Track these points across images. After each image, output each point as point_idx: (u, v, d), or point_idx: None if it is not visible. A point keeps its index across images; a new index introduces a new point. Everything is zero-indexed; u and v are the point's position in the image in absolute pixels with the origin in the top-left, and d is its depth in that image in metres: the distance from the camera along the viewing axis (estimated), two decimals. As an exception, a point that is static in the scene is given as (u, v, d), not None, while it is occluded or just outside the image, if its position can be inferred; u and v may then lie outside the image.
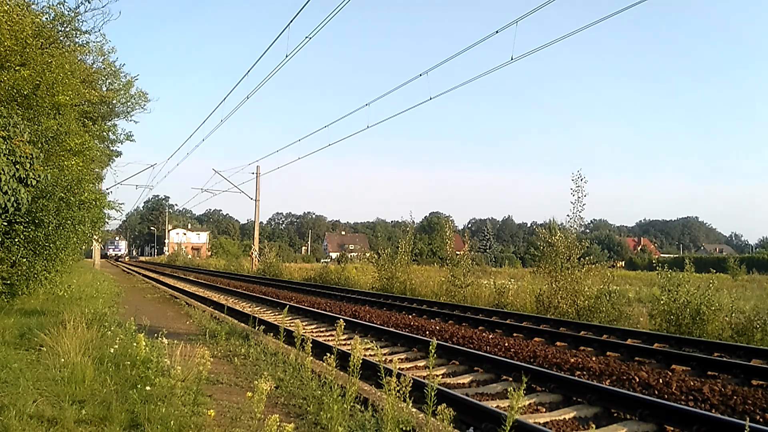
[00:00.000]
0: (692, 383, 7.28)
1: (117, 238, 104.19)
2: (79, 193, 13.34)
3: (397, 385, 4.00)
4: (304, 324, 12.22)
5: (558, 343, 10.91)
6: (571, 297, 15.39)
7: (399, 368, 5.06)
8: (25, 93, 12.48)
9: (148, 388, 4.88)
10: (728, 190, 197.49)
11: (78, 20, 15.66)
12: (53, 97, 13.31)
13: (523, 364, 8.17)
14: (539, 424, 5.58)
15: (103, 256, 76.82)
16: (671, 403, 6.21)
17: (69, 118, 14.43)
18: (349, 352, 4.56)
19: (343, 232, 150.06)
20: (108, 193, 25.45)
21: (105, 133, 24.07)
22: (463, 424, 5.37)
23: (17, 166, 8.06)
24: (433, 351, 4.23)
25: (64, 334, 6.52)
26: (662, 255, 68.24)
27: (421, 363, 8.83)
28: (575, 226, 16.54)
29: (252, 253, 45.84)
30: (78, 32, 16.43)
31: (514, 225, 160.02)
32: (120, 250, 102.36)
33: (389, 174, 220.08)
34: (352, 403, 4.62)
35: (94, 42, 18.74)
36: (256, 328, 9.26)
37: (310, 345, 5.55)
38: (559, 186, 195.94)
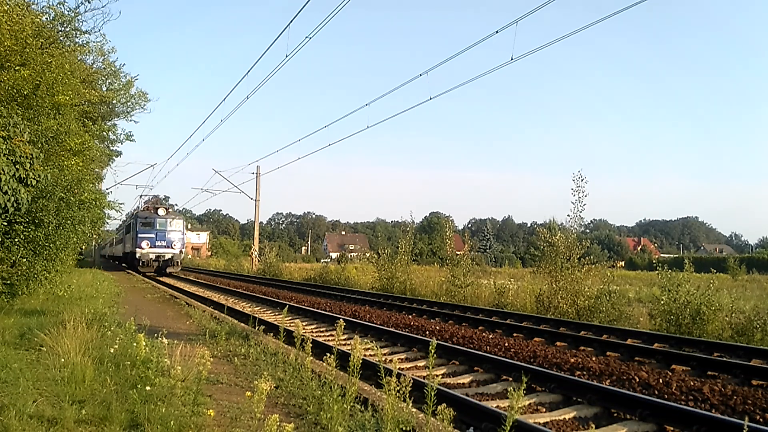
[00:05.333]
0: (692, 383, 7.28)
1: (164, 213, 34.65)
2: (79, 193, 13.35)
3: (397, 385, 3.99)
4: (304, 324, 12.22)
5: (558, 343, 10.91)
6: (571, 297, 15.39)
7: (399, 368, 5.06)
8: (25, 93, 12.49)
9: (148, 388, 4.88)
10: (728, 190, 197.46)
11: (78, 20, 15.70)
12: (53, 97, 13.32)
13: (523, 364, 8.17)
14: (539, 424, 5.59)
15: (125, 256, 38.37)
16: (671, 403, 6.21)
17: (69, 118, 14.44)
18: (349, 352, 4.56)
19: (343, 232, 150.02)
20: (108, 193, 25.48)
21: (105, 133, 24.11)
22: (463, 424, 5.37)
23: (17, 166, 8.05)
24: (432, 351, 4.23)
25: (64, 334, 6.52)
26: (662, 255, 68.21)
27: (421, 363, 8.83)
28: (575, 226, 16.55)
29: (252, 253, 45.84)
30: (78, 32, 16.46)
31: (514, 225, 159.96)
32: (173, 247, 34.02)
33: (389, 174, 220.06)
34: (352, 403, 4.61)
35: (94, 42, 18.80)
36: (256, 328, 9.25)
37: (310, 345, 5.55)
38: (559, 186, 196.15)
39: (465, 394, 6.71)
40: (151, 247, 32.49)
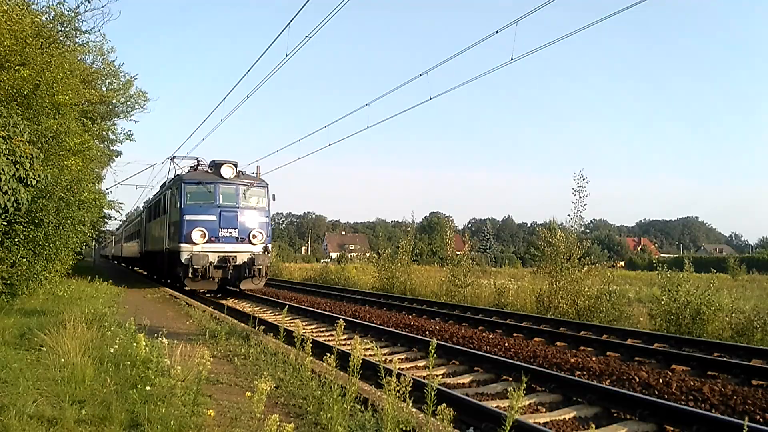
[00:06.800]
0: (692, 383, 7.28)
1: (232, 173, 18.28)
2: (79, 193, 13.35)
3: (397, 385, 3.99)
4: (304, 324, 12.22)
5: (558, 343, 10.91)
6: (572, 297, 15.40)
7: (399, 368, 5.05)
8: (25, 93, 12.49)
9: (148, 388, 4.88)
10: (728, 190, 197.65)
11: (78, 20, 15.67)
12: (53, 97, 13.32)
13: (523, 364, 8.17)
14: (539, 424, 5.59)
15: (150, 258, 24.86)
16: (671, 403, 6.21)
17: (69, 117, 14.43)
18: (349, 352, 4.56)
19: (343, 232, 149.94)
20: (108, 193, 25.44)
21: (105, 133, 24.10)
22: (463, 424, 5.38)
23: (17, 166, 8.06)
24: (432, 351, 4.22)
25: (64, 334, 6.52)
26: (662, 255, 68.17)
27: (421, 363, 8.83)
28: (575, 226, 16.58)
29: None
30: (78, 32, 16.44)
31: (514, 225, 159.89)
32: (251, 240, 17.79)
33: (389, 174, 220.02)
34: (352, 403, 4.61)
35: (93, 42, 18.77)
36: (256, 328, 9.24)
37: (310, 345, 5.54)
38: (559, 186, 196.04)
39: (465, 394, 6.71)
40: (209, 240, 17.24)
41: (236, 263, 17.37)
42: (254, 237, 17.85)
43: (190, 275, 16.86)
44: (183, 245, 17.12)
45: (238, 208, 17.92)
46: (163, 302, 16.13)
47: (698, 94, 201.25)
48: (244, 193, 18.27)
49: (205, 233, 17.20)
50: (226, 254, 17.33)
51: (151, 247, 23.51)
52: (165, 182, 22.65)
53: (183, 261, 16.96)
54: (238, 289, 18.54)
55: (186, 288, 17.47)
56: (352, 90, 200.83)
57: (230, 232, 17.61)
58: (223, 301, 16.57)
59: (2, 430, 4.02)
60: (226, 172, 18.19)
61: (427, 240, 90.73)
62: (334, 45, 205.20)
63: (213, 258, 17.10)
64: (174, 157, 23.29)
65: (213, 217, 17.44)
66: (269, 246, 18.35)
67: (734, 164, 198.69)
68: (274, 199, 18.87)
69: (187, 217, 17.31)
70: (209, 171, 18.76)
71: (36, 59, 13.00)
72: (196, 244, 17.05)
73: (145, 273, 28.08)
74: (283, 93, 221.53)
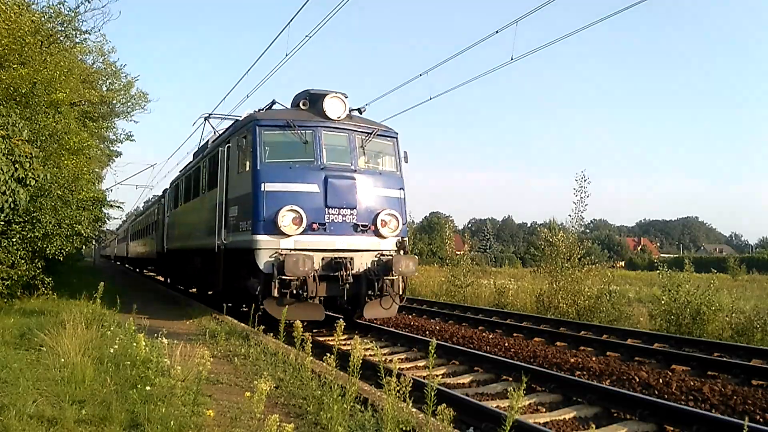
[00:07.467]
0: (692, 383, 7.28)
1: (342, 112, 9.95)
2: (77, 192, 13.32)
3: (397, 385, 3.99)
4: (303, 324, 12.16)
5: (558, 343, 10.91)
6: (572, 297, 15.40)
7: (399, 368, 5.04)
8: (23, 91, 12.46)
9: (148, 388, 4.87)
10: (728, 190, 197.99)
11: (78, 20, 15.65)
12: (50, 95, 13.27)
13: (523, 364, 8.17)
14: (539, 424, 5.59)
15: (174, 258, 17.73)
16: (671, 403, 6.21)
17: (68, 116, 14.41)
18: (349, 352, 4.56)
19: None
20: (108, 193, 25.40)
21: (105, 132, 24.09)
22: (463, 424, 5.37)
23: (16, 166, 8.05)
24: (432, 351, 4.22)
25: (63, 334, 6.51)
26: (662, 255, 68.20)
27: (421, 363, 8.82)
28: (576, 226, 16.59)
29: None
30: (78, 32, 16.41)
31: (514, 225, 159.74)
32: (378, 229, 9.72)
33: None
34: (352, 403, 4.60)
35: (93, 42, 18.75)
36: (256, 328, 9.23)
37: (310, 345, 5.53)
38: (559, 186, 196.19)
39: (465, 394, 6.71)
40: (309, 229, 9.40)
41: (354, 271, 9.71)
42: (383, 224, 10.12)
43: (275, 293, 9.21)
44: (260, 238, 9.44)
45: (355, 171, 10.14)
46: (163, 302, 16.12)
47: (698, 94, 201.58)
48: (363, 147, 10.55)
49: (301, 216, 9.44)
50: (339, 255, 9.70)
51: (181, 243, 15.54)
52: (206, 143, 14.77)
53: (262, 267, 9.34)
54: (362, 316, 10.45)
55: (264, 309, 9.44)
56: (352, 90, 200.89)
57: (344, 215, 9.80)
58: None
59: (2, 430, 4.01)
60: (333, 108, 10.21)
61: (427, 240, 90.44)
62: (334, 45, 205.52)
63: (317, 261, 9.37)
64: (210, 115, 15.64)
65: (314, 187, 9.71)
66: (406, 240, 10.51)
67: (734, 164, 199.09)
68: (406, 160, 11.21)
69: (268, 187, 9.58)
70: (302, 107, 10.47)
71: (35, 58, 12.99)
72: (287, 235, 9.40)
73: (163, 279, 21.46)
74: (283, 93, 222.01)
